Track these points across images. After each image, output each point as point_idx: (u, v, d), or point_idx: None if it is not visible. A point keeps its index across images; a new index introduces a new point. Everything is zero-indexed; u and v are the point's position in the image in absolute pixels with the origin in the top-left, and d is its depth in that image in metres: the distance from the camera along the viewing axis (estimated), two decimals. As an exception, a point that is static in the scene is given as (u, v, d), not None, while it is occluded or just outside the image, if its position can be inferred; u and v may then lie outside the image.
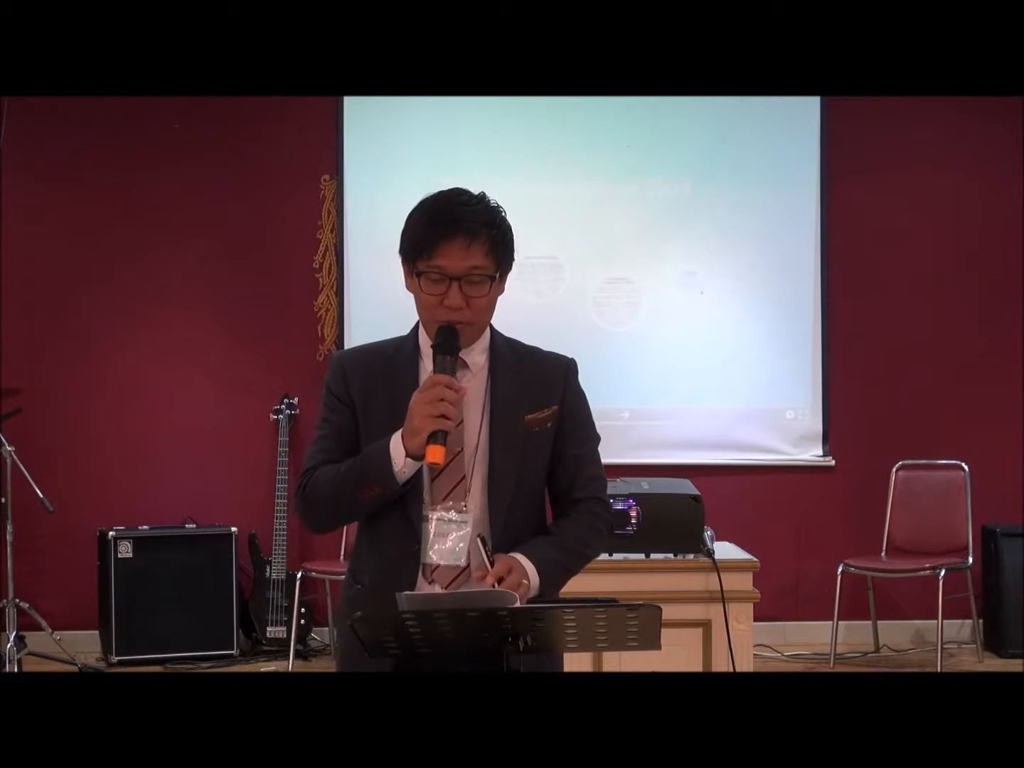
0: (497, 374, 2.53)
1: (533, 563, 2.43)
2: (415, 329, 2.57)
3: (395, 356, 2.50)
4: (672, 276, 6.85)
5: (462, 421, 2.48)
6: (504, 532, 2.47)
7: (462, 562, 2.45)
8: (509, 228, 2.50)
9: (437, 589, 2.45)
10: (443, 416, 2.33)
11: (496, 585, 2.32)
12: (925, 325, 6.89)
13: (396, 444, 2.39)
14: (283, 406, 6.66)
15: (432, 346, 2.44)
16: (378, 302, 6.57)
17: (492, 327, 2.57)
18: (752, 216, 6.83)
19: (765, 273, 6.85)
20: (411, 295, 2.51)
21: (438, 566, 2.46)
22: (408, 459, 2.37)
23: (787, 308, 6.84)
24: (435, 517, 2.46)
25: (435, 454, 2.33)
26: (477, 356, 2.54)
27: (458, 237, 2.40)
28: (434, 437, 2.33)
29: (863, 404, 6.88)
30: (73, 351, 6.72)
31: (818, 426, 6.85)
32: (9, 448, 5.94)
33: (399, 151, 6.75)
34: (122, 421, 6.72)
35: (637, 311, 6.83)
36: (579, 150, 6.80)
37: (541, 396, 2.53)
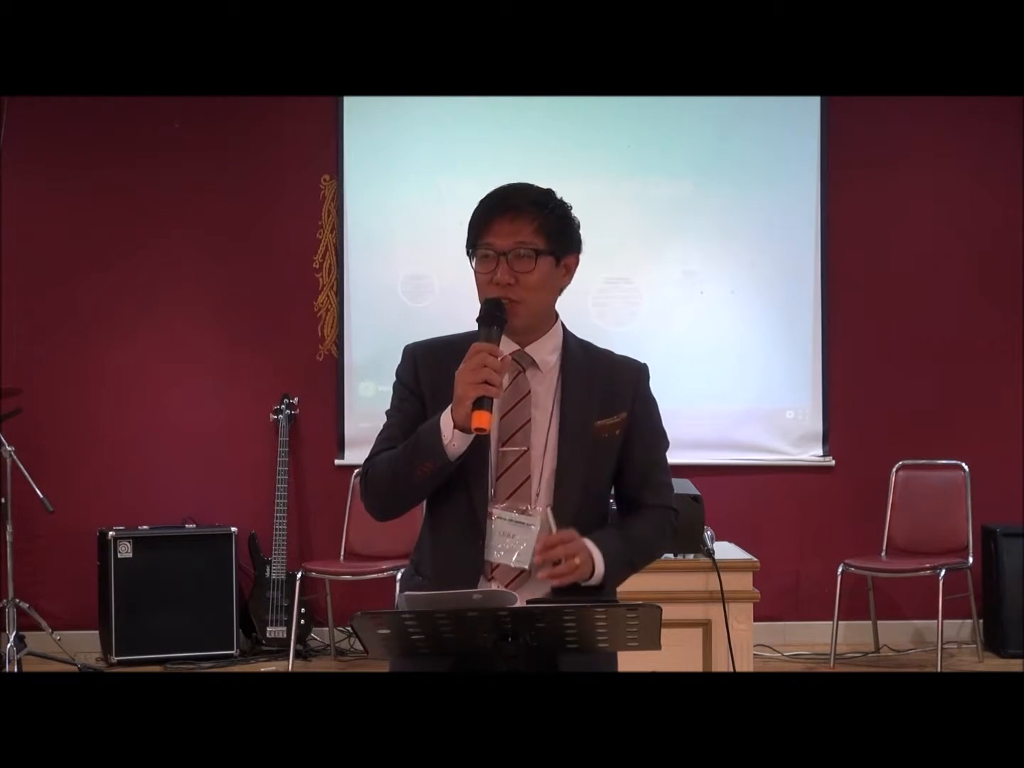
0: (568, 375, 2.52)
1: (602, 553, 2.40)
2: None
3: (465, 350, 2.41)
4: (672, 276, 6.84)
5: (529, 420, 2.47)
6: None
7: (525, 565, 2.42)
8: (565, 213, 2.52)
9: (495, 587, 2.43)
10: (487, 383, 2.31)
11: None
12: (925, 325, 6.89)
13: (446, 417, 2.38)
14: (283, 406, 6.67)
15: (477, 319, 2.43)
16: (378, 302, 6.55)
17: (565, 328, 2.57)
18: (753, 215, 6.83)
19: (765, 273, 6.84)
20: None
21: (499, 565, 2.44)
22: (457, 432, 2.35)
23: (787, 308, 6.84)
24: (499, 516, 2.44)
25: (480, 419, 2.31)
26: (548, 355, 2.53)
27: (507, 213, 2.44)
28: (479, 403, 2.31)
29: (863, 404, 6.87)
30: (73, 351, 6.72)
31: (818, 426, 6.85)
32: (9, 448, 5.94)
33: (399, 151, 6.76)
34: (122, 421, 6.73)
35: (637, 311, 6.83)
36: (579, 149, 6.79)
37: (612, 401, 2.52)
